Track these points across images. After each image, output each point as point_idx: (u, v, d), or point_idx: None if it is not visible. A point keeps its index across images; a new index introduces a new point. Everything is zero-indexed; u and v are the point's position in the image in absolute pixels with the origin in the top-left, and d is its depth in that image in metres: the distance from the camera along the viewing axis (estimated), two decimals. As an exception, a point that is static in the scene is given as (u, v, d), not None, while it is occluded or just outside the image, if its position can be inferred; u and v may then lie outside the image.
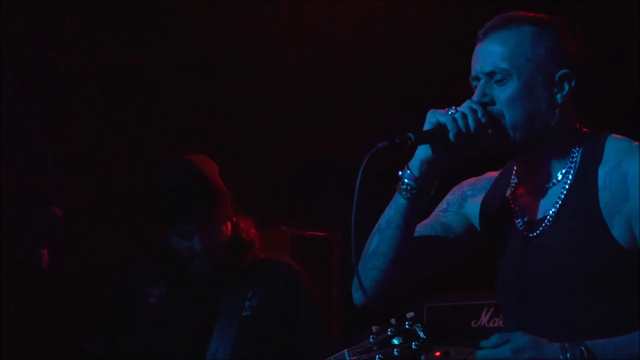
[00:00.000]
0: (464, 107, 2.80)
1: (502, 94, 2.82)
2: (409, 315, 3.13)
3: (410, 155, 2.87)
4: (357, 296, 3.03)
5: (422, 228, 3.01)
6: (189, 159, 3.89)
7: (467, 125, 2.77)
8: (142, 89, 5.48)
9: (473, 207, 3.03)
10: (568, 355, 2.60)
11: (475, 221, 3.02)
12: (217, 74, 5.77)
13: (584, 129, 2.89)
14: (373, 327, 3.14)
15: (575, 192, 2.80)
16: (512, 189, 2.96)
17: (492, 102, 2.83)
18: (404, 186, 2.86)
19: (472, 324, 5.34)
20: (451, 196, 3.08)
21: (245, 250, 3.92)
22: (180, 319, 3.88)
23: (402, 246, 2.90)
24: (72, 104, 5.24)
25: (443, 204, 3.07)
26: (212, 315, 3.87)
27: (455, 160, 2.83)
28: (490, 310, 5.33)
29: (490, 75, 2.84)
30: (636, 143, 2.80)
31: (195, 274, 3.87)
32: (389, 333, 3.11)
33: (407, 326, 3.12)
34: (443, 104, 6.69)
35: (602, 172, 2.77)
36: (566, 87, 2.83)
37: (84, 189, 5.20)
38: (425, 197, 2.87)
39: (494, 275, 2.98)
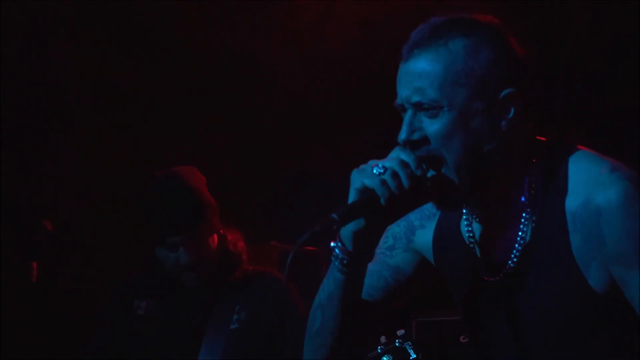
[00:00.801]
0: (393, 162, 2.35)
1: (433, 128, 2.36)
2: (400, 333, 3.09)
3: None
4: None
5: (368, 279, 2.57)
6: (176, 172, 3.84)
7: (399, 185, 2.32)
8: (134, 104, 5.45)
9: (423, 241, 2.63)
10: None
11: (429, 255, 2.63)
12: (207, 90, 5.74)
13: (539, 138, 2.48)
14: None
15: (540, 231, 2.41)
16: (465, 222, 2.53)
17: (425, 140, 2.37)
18: (338, 261, 2.45)
19: (461, 339, 5.30)
20: (397, 229, 2.64)
21: (233, 264, 3.87)
22: (169, 332, 3.84)
23: (350, 318, 2.54)
24: (64, 118, 5.21)
25: (388, 239, 2.65)
26: (201, 328, 3.83)
27: (393, 222, 2.46)
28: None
29: (418, 106, 2.38)
30: (606, 163, 2.40)
31: (183, 287, 3.82)
32: (379, 351, 3.07)
33: (397, 344, 3.08)
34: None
35: (570, 206, 2.38)
36: (512, 111, 2.37)
37: (75, 202, 5.18)
38: (364, 264, 2.48)
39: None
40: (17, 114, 5.02)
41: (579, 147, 2.46)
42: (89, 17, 5.32)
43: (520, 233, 2.42)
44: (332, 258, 2.47)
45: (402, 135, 2.40)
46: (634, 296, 2.34)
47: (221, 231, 3.90)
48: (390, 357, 3.06)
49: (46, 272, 3.91)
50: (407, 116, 2.40)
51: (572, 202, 2.37)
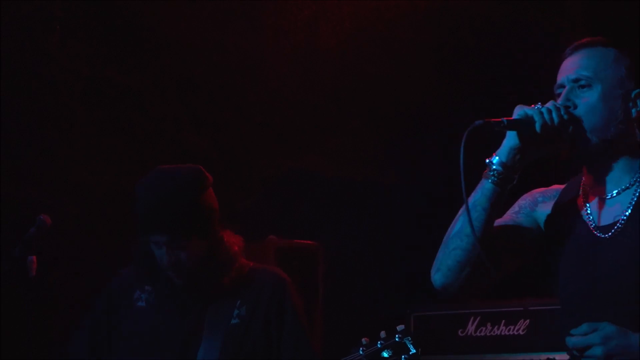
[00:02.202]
0: (549, 105, 2.98)
1: (584, 100, 3.00)
2: (399, 328, 3.03)
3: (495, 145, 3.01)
4: (438, 277, 3.05)
5: (498, 224, 3.09)
6: (173, 172, 3.68)
7: (551, 119, 2.93)
8: (127, 103, 5.37)
9: (543, 212, 3.15)
10: None
11: (542, 223, 3.14)
12: (201, 88, 5.67)
13: None
14: (363, 340, 3.04)
15: None
16: (581, 197, 3.09)
17: (574, 107, 3.00)
18: (492, 172, 2.98)
19: (459, 333, 5.25)
20: (522, 201, 3.20)
21: (226, 265, 3.74)
22: (168, 325, 3.73)
23: (485, 229, 2.98)
24: (58, 115, 5.12)
25: (515, 207, 3.19)
26: (200, 322, 3.72)
27: (539, 152, 2.99)
28: (477, 320, 5.21)
29: (575, 81, 3.03)
30: None
31: (184, 276, 3.72)
32: (378, 346, 3.02)
33: (397, 339, 3.03)
34: (424, 120, 6.57)
35: None
36: (639, 104, 3.04)
37: (71, 197, 5.07)
38: (509, 184, 2.99)
39: (555, 280, 3.07)
40: (14, 111, 4.93)
41: None
42: (85, 15, 5.24)
43: (631, 200, 2.97)
44: (487, 172, 2.99)
45: (560, 102, 3.01)
46: None
47: (218, 235, 3.76)
48: (390, 352, 3.02)
49: (44, 266, 3.81)
50: (566, 90, 3.03)
51: None
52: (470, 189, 3.01)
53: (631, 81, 3.05)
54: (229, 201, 3.94)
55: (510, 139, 2.98)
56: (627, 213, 2.96)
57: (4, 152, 4.83)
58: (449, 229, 3.06)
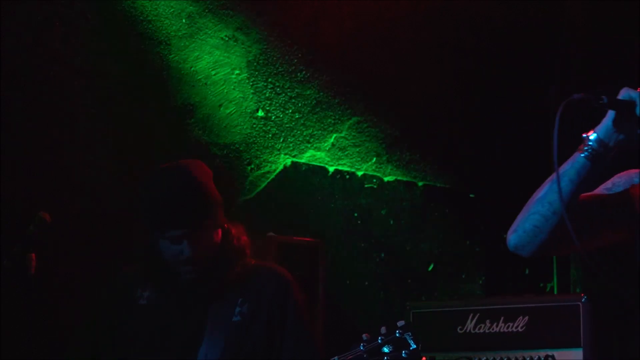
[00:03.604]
0: None
1: None
2: (400, 323, 3.01)
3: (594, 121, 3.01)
4: (513, 237, 3.06)
5: (585, 196, 3.08)
6: (183, 165, 3.72)
7: None
8: (129, 99, 5.33)
9: (637, 193, 3.12)
10: None
11: (636, 204, 3.11)
12: (203, 84, 5.63)
13: None
14: (364, 335, 3.02)
15: None
16: None
17: None
18: (587, 147, 2.97)
19: (458, 329, 5.22)
20: (617, 179, 3.19)
21: (235, 258, 3.75)
22: (170, 323, 3.71)
23: (570, 199, 2.97)
24: (59, 112, 5.09)
25: (608, 184, 3.18)
26: (202, 320, 3.70)
27: (637, 134, 2.96)
28: (476, 316, 5.17)
29: None
30: None
31: (183, 279, 3.69)
32: (379, 341, 3.00)
33: (397, 334, 3.00)
34: (424, 118, 6.52)
35: None
36: None
37: (71, 194, 5.05)
38: (601, 162, 2.98)
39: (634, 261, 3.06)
40: (14, 108, 4.90)
41: None
42: (86, 11, 5.20)
43: None
44: (582, 146, 2.97)
45: None
46: None
47: (225, 225, 3.76)
48: (391, 347, 2.99)
49: (45, 264, 3.79)
50: None
51: None
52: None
53: None
54: (229, 197, 3.90)
55: (611, 117, 2.96)
56: None
57: (4, 150, 4.79)
58: (534, 194, 3.06)
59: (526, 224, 3.03)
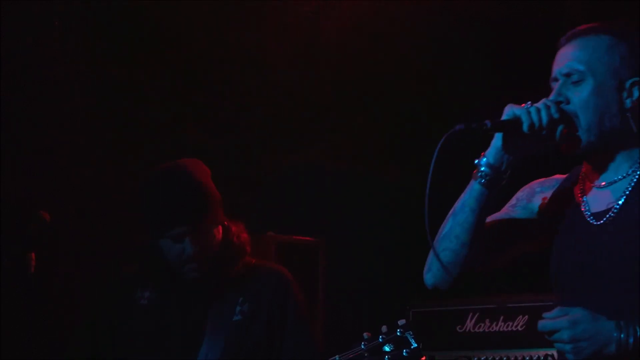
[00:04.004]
0: (539, 103, 2.88)
1: (577, 95, 2.91)
2: (400, 322, 3.00)
3: (484, 145, 2.95)
4: (429, 277, 3.03)
5: (491, 219, 3.06)
6: (181, 164, 3.72)
7: (540, 119, 2.85)
8: (128, 98, 5.35)
9: (539, 202, 3.10)
10: (622, 333, 2.68)
11: (540, 211, 3.09)
12: (202, 83, 5.65)
13: None
14: (365, 334, 3.01)
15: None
16: (579, 185, 3.03)
17: (567, 102, 2.91)
18: (480, 173, 2.92)
19: (458, 329, 5.22)
20: (520, 193, 3.15)
21: (236, 255, 3.74)
22: (171, 322, 3.70)
23: (474, 230, 2.94)
24: (58, 113, 5.09)
25: (512, 200, 3.14)
26: (203, 319, 3.69)
27: (528, 152, 2.92)
28: (476, 316, 5.18)
29: (567, 76, 2.93)
30: None
31: (185, 278, 3.68)
32: (380, 340, 2.98)
33: (398, 333, 2.99)
34: (426, 115, 6.50)
35: None
36: (636, 94, 2.92)
37: (71, 193, 5.04)
38: (498, 186, 2.94)
39: (549, 266, 3.03)
40: (12, 106, 4.89)
41: None
42: (85, 11, 5.20)
43: (627, 188, 2.88)
44: (476, 173, 2.92)
45: (552, 97, 2.91)
46: None
47: (225, 223, 3.76)
48: (392, 346, 2.97)
49: (43, 262, 3.78)
50: (559, 84, 2.93)
51: None
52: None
53: (627, 70, 2.92)
54: (230, 196, 3.90)
55: (498, 140, 2.91)
56: (620, 201, 2.88)
57: (4, 150, 4.79)
58: (440, 230, 3.00)
59: (440, 262, 2.97)
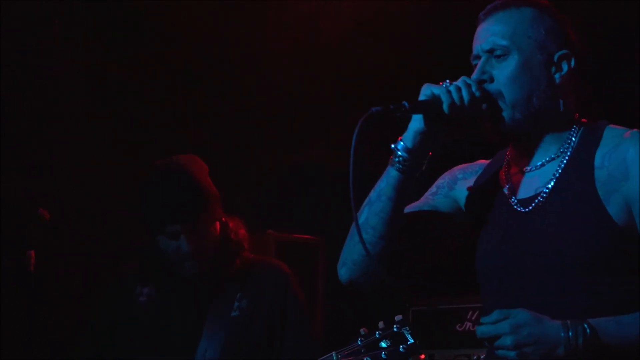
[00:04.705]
0: (459, 81, 2.65)
1: (502, 72, 2.67)
2: (397, 318, 2.98)
3: (404, 128, 2.71)
4: (343, 272, 2.76)
5: (410, 209, 2.80)
6: (177, 161, 3.71)
7: (460, 97, 2.61)
8: (128, 97, 5.36)
9: (462, 190, 2.84)
10: (570, 333, 2.42)
11: (463, 200, 2.84)
12: (202, 82, 5.66)
13: (583, 119, 2.72)
14: (361, 330, 2.99)
15: (571, 169, 2.63)
16: (504, 169, 2.77)
17: (490, 80, 2.68)
18: (397, 158, 2.66)
19: (457, 327, 5.23)
20: (441, 180, 2.89)
21: (234, 251, 3.73)
22: (170, 320, 3.70)
23: (392, 220, 2.68)
24: (58, 111, 5.10)
25: (433, 188, 2.89)
26: (202, 316, 3.69)
27: (450, 134, 2.66)
28: (475, 314, 5.19)
29: (490, 52, 2.69)
30: (635, 130, 2.64)
31: (184, 275, 3.68)
32: (377, 336, 2.96)
33: (395, 329, 2.97)
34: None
35: (600, 153, 2.62)
36: (565, 68, 2.68)
37: (71, 191, 5.05)
38: (416, 171, 2.68)
39: (475, 255, 2.78)
40: (12, 106, 4.90)
41: (614, 125, 2.71)
42: (85, 9, 5.21)
43: (555, 172, 2.63)
44: (392, 159, 2.67)
45: (474, 76, 2.68)
46: None
47: (223, 219, 3.76)
48: (389, 342, 2.95)
49: (43, 261, 3.77)
50: (481, 61, 2.70)
51: (602, 149, 2.62)
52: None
53: (554, 43, 2.67)
54: (229, 194, 3.89)
55: (416, 122, 2.63)
56: (549, 186, 2.62)
57: (4, 148, 4.79)
58: (355, 220, 2.68)
59: (354, 255, 2.70)
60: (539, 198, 2.62)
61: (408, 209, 2.78)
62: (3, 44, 4.90)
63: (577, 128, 2.68)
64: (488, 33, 2.70)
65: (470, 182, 2.83)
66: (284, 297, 3.71)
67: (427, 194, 2.87)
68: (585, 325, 2.42)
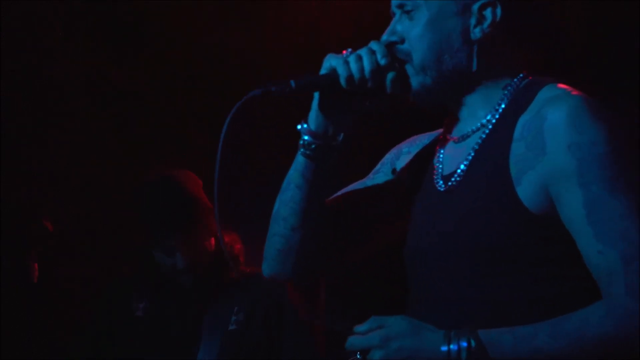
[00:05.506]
0: (363, 49, 2.31)
1: (411, 29, 2.29)
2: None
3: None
4: (264, 267, 2.47)
5: (343, 190, 2.50)
6: (172, 176, 3.73)
7: (361, 68, 2.27)
8: (128, 98, 5.35)
9: (403, 164, 2.51)
10: (452, 347, 2.06)
11: (401, 182, 2.51)
12: (202, 82, 5.64)
13: (530, 77, 2.33)
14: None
15: (491, 141, 2.26)
16: (440, 140, 2.42)
17: (401, 41, 2.31)
18: (302, 142, 2.35)
19: None
20: (388, 155, 2.57)
21: (230, 266, 3.73)
22: (167, 333, 3.69)
23: (305, 209, 2.35)
24: (59, 114, 5.12)
25: (377, 166, 2.56)
26: (198, 330, 3.68)
27: (357, 110, 2.35)
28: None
29: (401, 7, 2.31)
30: (575, 92, 2.21)
31: (180, 288, 3.68)
32: (358, 357, 2.94)
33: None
34: (425, 115, 6.49)
35: (522, 121, 2.22)
36: (488, 19, 2.28)
37: (70, 192, 5.07)
38: (330, 154, 2.34)
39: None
40: (14, 110, 4.89)
41: (561, 84, 2.29)
42: (84, 14, 5.19)
43: (475, 146, 2.28)
44: (299, 142, 2.36)
45: (383, 37, 2.34)
46: (570, 216, 2.12)
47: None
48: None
49: (45, 273, 3.78)
50: (393, 20, 2.34)
51: (525, 116, 2.22)
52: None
53: None
54: (227, 199, 3.89)
55: (317, 100, 2.34)
56: (466, 162, 2.27)
57: (4, 152, 4.79)
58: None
59: (271, 250, 2.42)
60: (455, 176, 2.28)
61: (342, 191, 2.49)
62: (3, 44, 4.89)
63: (511, 89, 2.29)
64: None
65: (412, 155, 2.50)
66: (281, 310, 3.72)
67: (370, 174, 2.56)
68: (472, 339, 2.05)
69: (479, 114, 2.30)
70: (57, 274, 4.86)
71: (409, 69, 2.29)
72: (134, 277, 3.83)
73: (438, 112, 2.42)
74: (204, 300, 3.71)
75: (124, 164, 5.22)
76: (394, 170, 2.51)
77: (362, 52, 2.29)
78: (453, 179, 2.28)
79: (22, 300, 3.79)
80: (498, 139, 2.24)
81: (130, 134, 5.34)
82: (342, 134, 2.35)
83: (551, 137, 2.14)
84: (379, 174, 2.52)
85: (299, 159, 2.36)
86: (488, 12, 2.28)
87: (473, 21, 2.27)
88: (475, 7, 2.27)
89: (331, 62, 2.31)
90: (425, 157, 2.44)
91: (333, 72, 2.29)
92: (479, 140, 2.27)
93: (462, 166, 2.28)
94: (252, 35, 5.73)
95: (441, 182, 2.33)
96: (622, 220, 2.07)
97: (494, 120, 2.27)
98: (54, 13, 5.08)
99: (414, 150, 2.50)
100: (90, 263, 5.00)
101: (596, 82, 5.64)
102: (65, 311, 4.83)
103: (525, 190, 2.16)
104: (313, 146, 2.34)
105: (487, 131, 2.27)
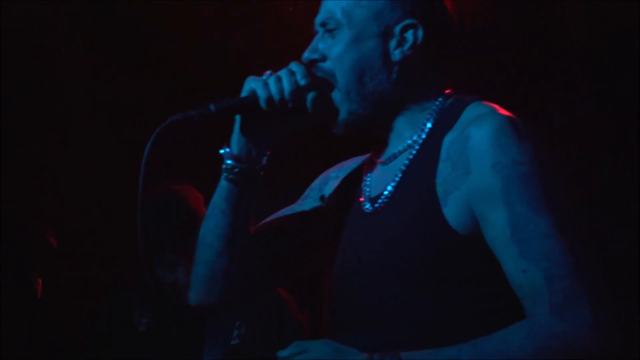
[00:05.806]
0: (282, 70, 2.31)
1: (332, 48, 2.28)
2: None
3: None
4: (191, 295, 2.47)
5: (272, 217, 2.50)
6: (173, 191, 3.71)
7: (281, 89, 2.27)
8: (129, 98, 5.36)
9: (331, 189, 2.49)
10: None
11: (329, 207, 2.50)
12: (202, 82, 5.65)
13: (454, 95, 2.33)
14: None
15: (416, 162, 2.25)
16: (368, 162, 2.42)
17: (323, 59, 2.31)
18: (225, 166, 2.36)
19: None
20: (316, 181, 2.56)
21: None
22: (169, 348, 3.68)
23: (230, 236, 2.35)
24: (61, 120, 5.11)
25: (306, 191, 2.56)
26: (200, 345, 3.68)
27: (281, 133, 2.35)
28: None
29: (323, 25, 2.31)
30: (500, 111, 2.21)
31: (182, 303, 3.67)
32: None
33: None
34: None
35: (448, 140, 2.21)
36: (409, 41, 2.27)
37: (70, 192, 5.08)
38: (254, 178, 2.35)
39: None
40: (15, 114, 4.89)
41: (486, 101, 2.30)
42: (84, 14, 5.20)
43: (402, 166, 2.27)
44: (222, 167, 2.37)
45: (305, 55, 2.33)
46: (494, 235, 2.10)
47: None
48: None
49: (49, 286, 3.78)
50: (316, 38, 2.33)
51: (451, 135, 2.22)
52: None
53: (396, 11, 2.25)
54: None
55: (239, 124, 2.34)
56: (393, 183, 2.26)
57: (4, 152, 4.79)
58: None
59: (197, 277, 2.41)
60: (382, 197, 2.27)
61: (271, 217, 2.49)
62: (3, 44, 4.89)
63: (436, 109, 2.29)
64: (324, 5, 2.33)
65: (340, 180, 2.48)
66: (283, 322, 3.73)
67: (298, 200, 2.55)
68: None
69: (405, 135, 2.30)
70: (56, 274, 4.84)
71: (335, 96, 2.29)
72: (135, 288, 3.81)
73: (364, 138, 2.42)
74: (207, 315, 3.71)
75: (124, 165, 5.22)
76: (322, 197, 2.48)
77: (282, 73, 2.28)
78: (380, 201, 2.27)
79: (24, 310, 3.78)
80: (425, 160, 2.24)
81: (131, 135, 5.33)
82: (265, 157, 2.36)
83: (475, 156, 2.14)
84: (308, 200, 2.51)
85: (222, 184, 2.35)
86: (409, 34, 2.28)
87: (394, 43, 2.28)
88: (397, 29, 2.28)
89: (251, 84, 2.31)
90: (353, 180, 2.43)
91: (253, 94, 2.28)
92: (406, 162, 2.27)
93: (389, 187, 2.27)
94: (252, 35, 5.73)
95: (368, 204, 2.31)
96: (546, 239, 2.05)
97: (420, 141, 2.27)
98: (54, 13, 5.07)
99: (342, 175, 2.49)
100: (90, 263, 5.00)
101: (596, 82, 5.66)
102: (65, 311, 4.82)
103: (451, 210, 2.16)
104: (236, 170, 2.34)
105: (414, 152, 2.27)
